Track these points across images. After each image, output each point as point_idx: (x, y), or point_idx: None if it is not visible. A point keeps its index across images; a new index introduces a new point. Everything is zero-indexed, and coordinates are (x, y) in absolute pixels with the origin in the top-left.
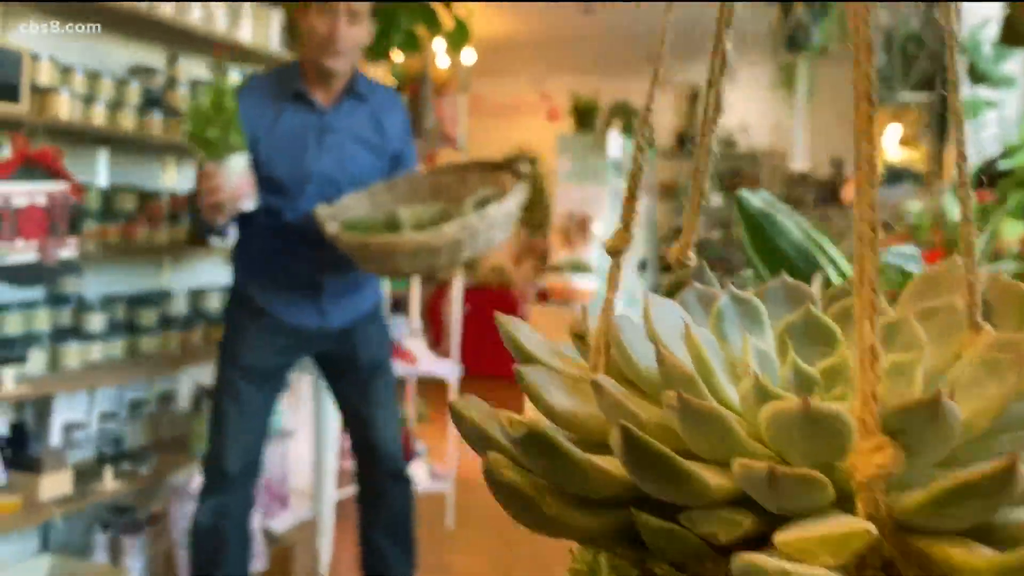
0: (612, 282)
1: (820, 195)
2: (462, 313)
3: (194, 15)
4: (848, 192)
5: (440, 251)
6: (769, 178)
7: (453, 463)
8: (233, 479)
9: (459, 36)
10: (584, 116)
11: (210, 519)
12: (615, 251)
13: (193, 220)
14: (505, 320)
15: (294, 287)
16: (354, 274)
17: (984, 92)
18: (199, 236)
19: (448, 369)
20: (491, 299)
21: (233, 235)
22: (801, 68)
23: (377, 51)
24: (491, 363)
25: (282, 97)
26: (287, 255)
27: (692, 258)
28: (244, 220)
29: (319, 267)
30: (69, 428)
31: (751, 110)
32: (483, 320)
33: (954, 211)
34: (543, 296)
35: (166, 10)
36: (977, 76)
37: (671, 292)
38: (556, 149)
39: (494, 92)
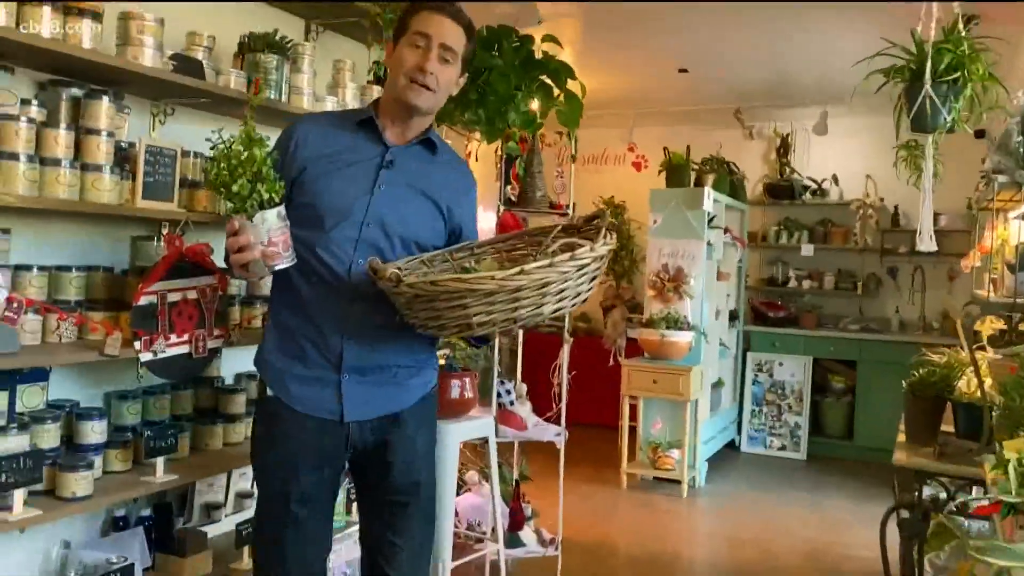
0: None
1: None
2: (567, 376)
3: (327, 106)
4: (969, 261)
5: (524, 297)
6: (861, 229)
7: (559, 525)
8: None
9: (573, 112)
10: (676, 171)
11: None
12: None
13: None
14: None
15: (315, 360)
16: (397, 345)
17: None
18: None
19: (556, 434)
20: (581, 348)
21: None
22: (928, 146)
23: (493, 132)
24: (586, 410)
25: (347, 126)
26: (313, 311)
27: None
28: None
29: (348, 327)
30: (208, 508)
31: (843, 158)
32: (574, 368)
33: None
34: (633, 347)
35: (303, 102)
36: None
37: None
38: (648, 204)
39: (581, 143)
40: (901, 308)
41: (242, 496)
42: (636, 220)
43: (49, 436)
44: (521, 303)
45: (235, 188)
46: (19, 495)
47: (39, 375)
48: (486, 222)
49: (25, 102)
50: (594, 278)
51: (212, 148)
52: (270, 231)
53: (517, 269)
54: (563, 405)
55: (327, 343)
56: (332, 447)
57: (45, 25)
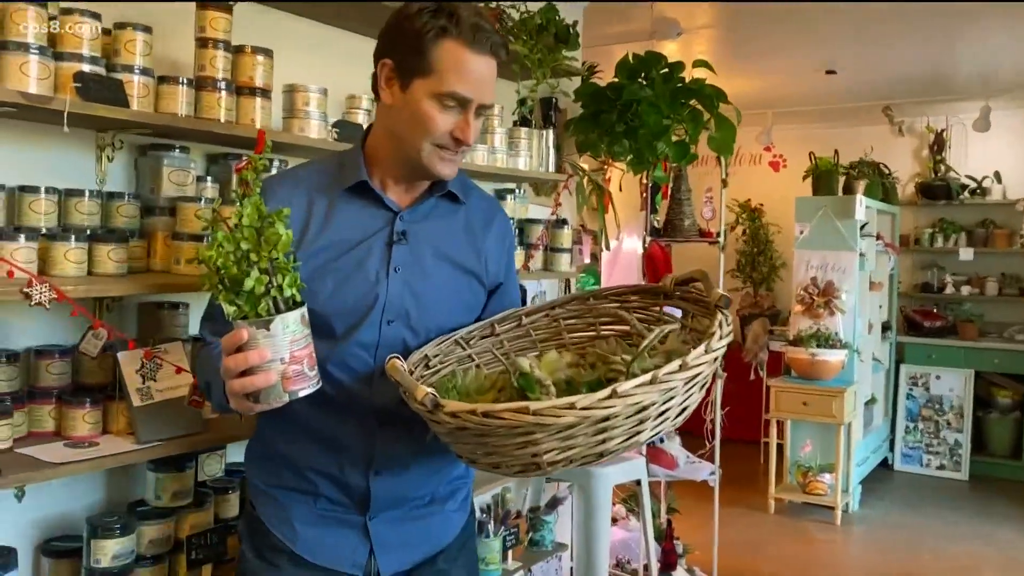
0: None
1: None
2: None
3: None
4: None
5: (615, 426)
6: None
7: (713, 567)
8: None
9: (726, 137)
10: (823, 177)
11: None
12: None
13: (206, 390)
14: None
15: (333, 497)
16: (438, 465)
17: None
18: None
19: (710, 473)
20: None
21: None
22: None
23: (641, 165)
24: (725, 425)
25: (334, 190)
26: (327, 441)
27: None
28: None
29: (376, 458)
30: None
31: (1007, 155)
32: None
33: None
34: (776, 361)
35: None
36: None
37: None
38: (794, 214)
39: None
40: None
41: None
42: (775, 224)
43: (230, 506)
44: (611, 433)
45: (249, 284)
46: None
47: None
48: (630, 249)
49: (200, 179)
50: (704, 384)
51: (208, 225)
52: (292, 342)
53: (607, 392)
54: (716, 443)
55: (347, 480)
56: None
57: (222, 111)
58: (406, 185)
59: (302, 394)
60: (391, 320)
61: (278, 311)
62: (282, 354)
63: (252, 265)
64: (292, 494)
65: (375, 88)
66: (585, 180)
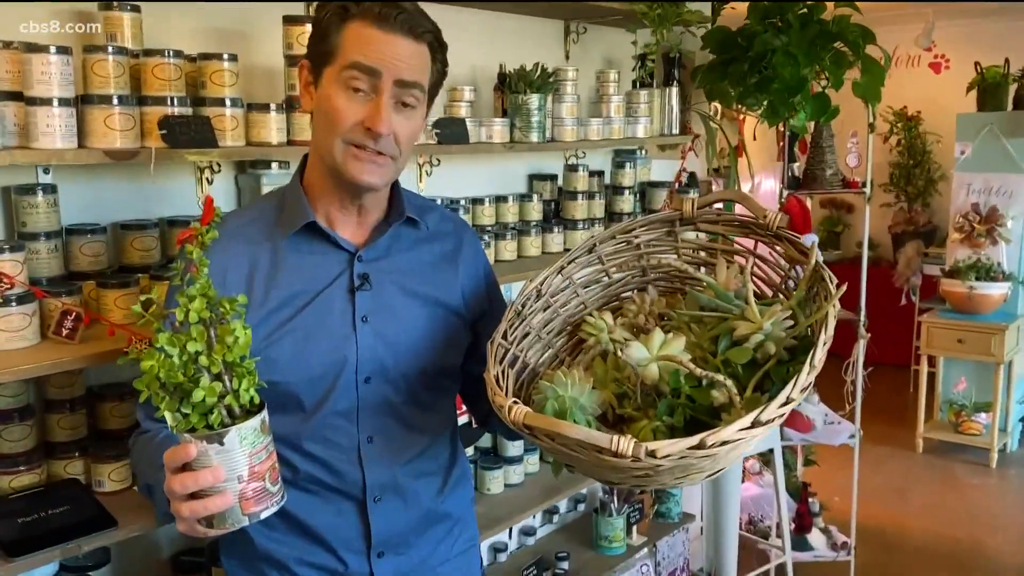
0: None
1: None
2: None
3: None
4: None
5: (719, 456)
6: None
7: (851, 529)
8: None
9: (874, 83)
10: (991, 90)
11: None
12: None
13: (147, 493)
14: None
15: None
16: (443, 543)
17: None
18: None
19: (850, 436)
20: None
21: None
22: None
23: (776, 118)
24: (872, 349)
25: (278, 236)
26: (313, 530)
27: None
28: None
29: (376, 539)
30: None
31: None
32: (855, 303)
33: None
34: (929, 285)
35: (566, 134)
36: None
37: None
38: (955, 131)
39: None
40: None
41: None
42: (934, 133)
43: None
44: (697, 465)
45: (199, 395)
46: None
47: None
48: (765, 201)
49: None
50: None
51: (141, 318)
52: (251, 455)
53: (748, 422)
54: (857, 404)
55: (347, 569)
56: None
57: None
58: (356, 216)
59: (264, 515)
60: (368, 378)
61: (232, 419)
62: (239, 471)
63: (202, 370)
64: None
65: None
66: (714, 127)
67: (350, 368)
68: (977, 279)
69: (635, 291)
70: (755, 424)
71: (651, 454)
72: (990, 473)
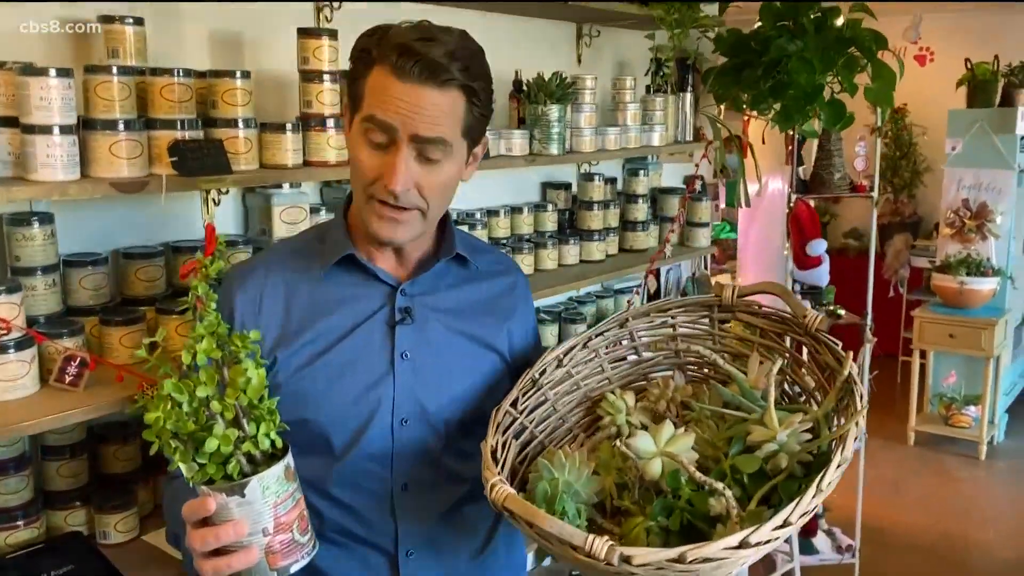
0: None
1: None
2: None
3: None
4: None
5: (701, 573)
6: None
7: (856, 530)
8: None
9: (886, 88)
10: (981, 88)
11: None
12: None
13: (175, 543)
14: None
15: None
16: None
17: None
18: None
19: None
20: (853, 269)
21: None
22: None
23: (789, 123)
24: (859, 340)
25: (317, 268)
26: None
27: None
28: None
29: None
30: None
31: None
32: (846, 294)
33: None
34: (917, 277)
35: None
36: None
37: None
38: (946, 127)
39: None
40: None
41: None
42: (919, 125)
43: None
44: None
45: (212, 444)
46: None
47: None
48: (773, 205)
49: (315, 210)
50: None
51: (147, 363)
52: (276, 505)
53: (780, 520)
54: (863, 410)
55: None
56: None
57: (332, 151)
58: (395, 255)
59: (295, 568)
60: (405, 420)
61: (254, 467)
62: (264, 523)
63: (215, 416)
64: None
65: None
66: (720, 128)
67: (386, 408)
68: (968, 274)
69: (661, 375)
70: (743, 545)
71: (626, 560)
72: (979, 465)
